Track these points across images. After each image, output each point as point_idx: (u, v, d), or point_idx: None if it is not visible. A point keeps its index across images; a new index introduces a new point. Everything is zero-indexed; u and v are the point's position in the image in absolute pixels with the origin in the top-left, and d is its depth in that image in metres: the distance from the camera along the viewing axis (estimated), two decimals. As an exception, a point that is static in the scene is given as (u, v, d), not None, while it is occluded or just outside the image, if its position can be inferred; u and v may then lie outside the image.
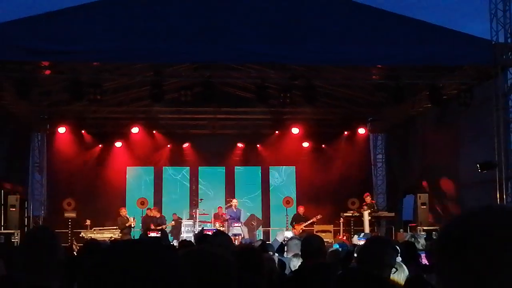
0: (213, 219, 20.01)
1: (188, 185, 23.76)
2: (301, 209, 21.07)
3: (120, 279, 1.31)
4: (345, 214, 20.52)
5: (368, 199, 20.03)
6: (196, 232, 17.41)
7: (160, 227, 19.65)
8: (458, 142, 17.60)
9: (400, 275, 4.95)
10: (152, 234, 18.30)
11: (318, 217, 20.14)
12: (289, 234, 17.38)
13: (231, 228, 18.95)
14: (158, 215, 20.63)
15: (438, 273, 1.36)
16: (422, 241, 9.89)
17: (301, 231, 19.55)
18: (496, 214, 1.34)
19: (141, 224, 20.56)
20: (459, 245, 1.30)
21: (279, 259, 7.92)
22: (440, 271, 1.34)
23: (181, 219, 20.82)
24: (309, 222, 20.16)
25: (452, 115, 17.80)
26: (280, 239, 12.47)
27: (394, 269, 4.53)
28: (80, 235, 19.01)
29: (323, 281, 4.81)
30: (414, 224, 19.05)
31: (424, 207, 18.64)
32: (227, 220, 19.88)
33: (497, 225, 1.30)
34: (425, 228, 17.51)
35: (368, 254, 4.51)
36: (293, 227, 20.16)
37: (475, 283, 1.26)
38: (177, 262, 1.41)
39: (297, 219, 20.55)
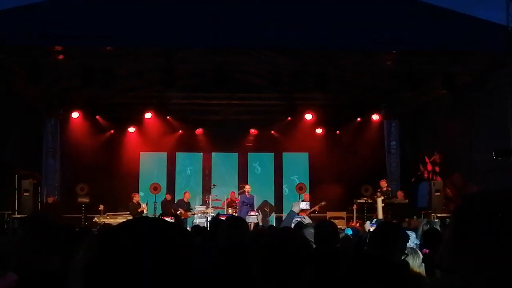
0: (225, 204, 20.04)
1: (201, 171, 23.79)
2: (306, 197, 21.10)
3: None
4: (358, 200, 20.51)
5: (384, 185, 19.97)
6: (209, 218, 17.47)
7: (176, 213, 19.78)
8: (472, 129, 17.46)
9: (415, 261, 4.93)
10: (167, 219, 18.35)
11: (322, 203, 20.14)
12: (303, 205, 17.28)
13: (247, 217, 18.85)
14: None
15: (455, 248, 1.29)
16: (437, 227, 9.84)
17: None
18: None
19: (161, 208, 20.66)
20: (484, 218, 1.27)
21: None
22: (459, 245, 1.29)
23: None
24: (313, 209, 20.16)
25: (466, 102, 17.65)
26: (296, 210, 12.36)
27: (404, 255, 4.52)
28: (94, 220, 19.11)
29: (336, 266, 4.78)
30: (425, 212, 18.94)
31: (438, 193, 18.55)
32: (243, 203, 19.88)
33: None
34: (439, 215, 17.41)
35: (379, 239, 4.53)
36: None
37: (498, 256, 1.23)
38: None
39: None
